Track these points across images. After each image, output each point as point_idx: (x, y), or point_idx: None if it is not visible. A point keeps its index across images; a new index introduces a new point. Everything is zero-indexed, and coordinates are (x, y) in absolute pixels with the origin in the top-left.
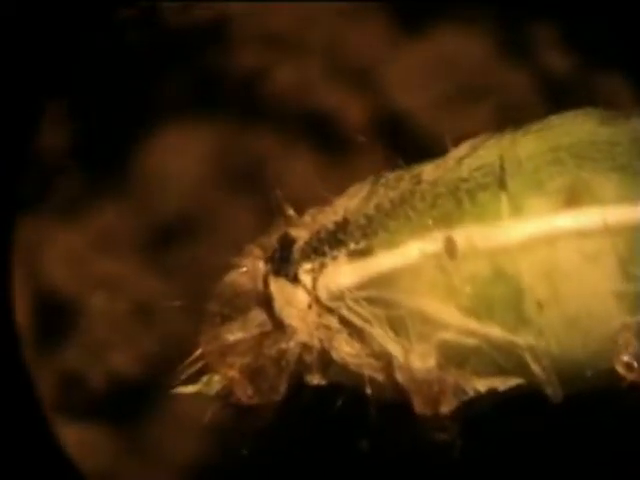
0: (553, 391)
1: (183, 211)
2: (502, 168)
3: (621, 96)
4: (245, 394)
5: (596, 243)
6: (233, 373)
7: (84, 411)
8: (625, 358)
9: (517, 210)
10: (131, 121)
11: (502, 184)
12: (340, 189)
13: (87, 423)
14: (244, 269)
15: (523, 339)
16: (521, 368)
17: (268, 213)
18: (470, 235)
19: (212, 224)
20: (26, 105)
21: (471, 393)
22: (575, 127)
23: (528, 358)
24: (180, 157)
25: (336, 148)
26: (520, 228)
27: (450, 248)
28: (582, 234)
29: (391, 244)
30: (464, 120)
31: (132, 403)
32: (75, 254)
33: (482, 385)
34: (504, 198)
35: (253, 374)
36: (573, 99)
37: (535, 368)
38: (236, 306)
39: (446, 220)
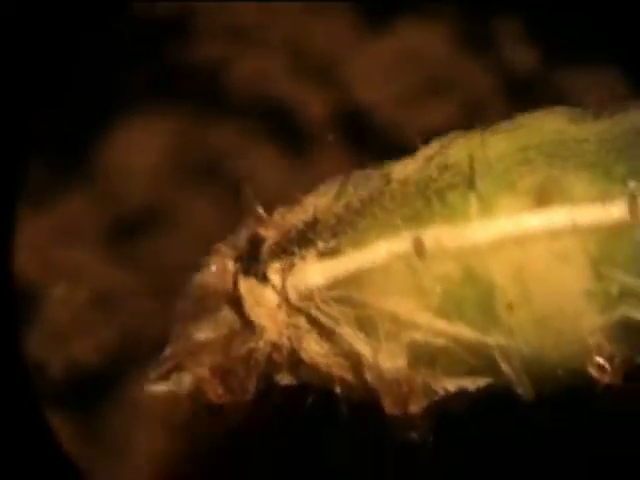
0: (524, 390)
1: (145, 203)
2: (471, 168)
3: (585, 90)
4: (215, 393)
5: (566, 242)
6: (203, 372)
7: (43, 398)
8: (597, 360)
9: (487, 210)
10: (95, 114)
11: (471, 184)
12: (301, 182)
13: (47, 410)
14: (213, 268)
15: (493, 339)
16: (491, 368)
17: (228, 206)
18: (439, 235)
19: (173, 216)
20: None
21: (441, 392)
22: (544, 126)
23: (498, 358)
24: (143, 149)
25: (298, 142)
26: (490, 228)
27: (419, 248)
28: (552, 234)
29: (360, 244)
30: (427, 115)
31: (91, 391)
32: (39, 244)
33: (452, 384)
34: (473, 198)
35: (223, 373)
36: (536, 94)
37: (505, 367)
38: (206, 305)
39: (415, 220)
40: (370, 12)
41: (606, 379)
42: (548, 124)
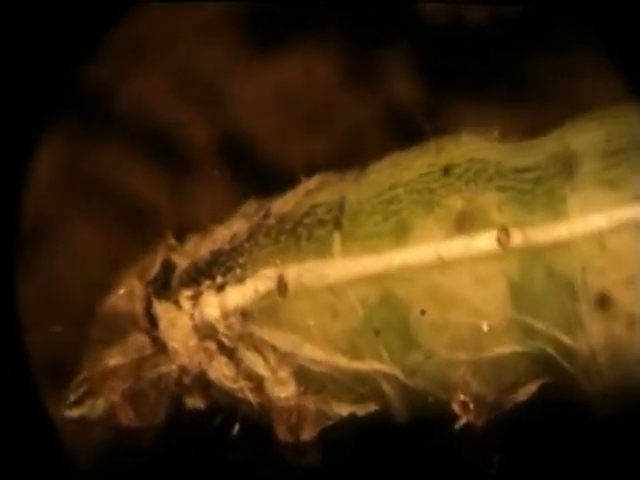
0: (398, 413)
1: (30, 220)
2: (341, 208)
3: (470, 124)
4: (127, 417)
5: (435, 277)
6: (115, 397)
7: None
8: (461, 397)
9: (349, 249)
10: None
11: (337, 223)
12: (183, 207)
13: None
14: (122, 291)
15: (369, 365)
16: (376, 393)
17: (110, 226)
18: (301, 273)
19: (57, 234)
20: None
21: (334, 418)
22: (414, 162)
23: (380, 381)
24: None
25: (180, 166)
26: (348, 267)
27: (281, 286)
28: (418, 270)
29: (238, 280)
30: (309, 146)
31: None
32: None
33: (343, 410)
34: (337, 237)
35: (134, 398)
36: (420, 127)
37: (386, 390)
38: (116, 329)
39: (283, 256)
40: (259, 41)
41: (468, 418)
42: (418, 159)
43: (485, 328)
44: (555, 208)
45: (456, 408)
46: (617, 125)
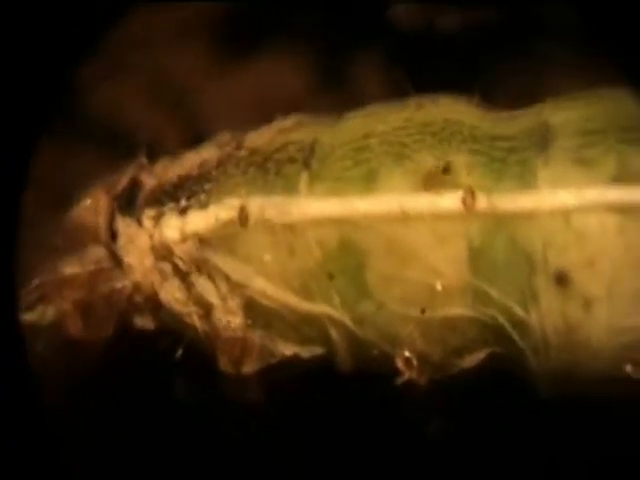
0: (342, 360)
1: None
2: (312, 149)
3: None
4: (75, 328)
5: (396, 228)
6: (66, 306)
7: None
8: (406, 353)
9: (314, 190)
10: None
11: (307, 163)
12: None
13: None
14: (88, 202)
15: (319, 307)
16: (322, 337)
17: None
18: (264, 206)
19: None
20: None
21: (277, 356)
22: (392, 115)
23: (327, 326)
24: None
25: None
26: (312, 207)
27: (242, 217)
28: (380, 219)
29: (202, 206)
30: None
31: None
32: None
33: (287, 349)
34: (305, 176)
35: (85, 309)
36: None
37: (333, 335)
38: (76, 239)
39: (248, 188)
40: (230, 46)
41: (410, 374)
42: (396, 113)
43: (439, 288)
44: (525, 179)
45: (399, 363)
46: (598, 106)
